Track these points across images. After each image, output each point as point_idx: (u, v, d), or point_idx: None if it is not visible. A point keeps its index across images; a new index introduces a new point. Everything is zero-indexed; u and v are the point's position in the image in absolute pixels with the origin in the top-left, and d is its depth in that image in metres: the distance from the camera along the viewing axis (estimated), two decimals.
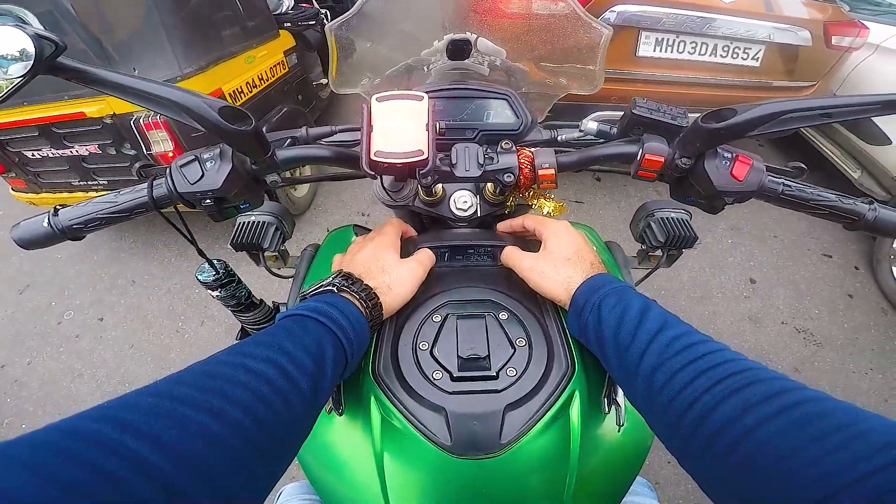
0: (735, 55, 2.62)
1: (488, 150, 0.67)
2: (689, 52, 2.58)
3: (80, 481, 0.27)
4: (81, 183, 2.49)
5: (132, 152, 2.23)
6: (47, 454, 0.28)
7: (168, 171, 0.59)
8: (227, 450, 0.35)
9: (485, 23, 0.92)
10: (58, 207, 0.62)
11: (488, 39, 0.94)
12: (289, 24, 3.14)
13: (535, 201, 0.72)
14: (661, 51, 2.55)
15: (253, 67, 2.60)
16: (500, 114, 0.80)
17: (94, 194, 2.39)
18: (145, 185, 0.61)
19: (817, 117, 0.55)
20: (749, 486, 0.35)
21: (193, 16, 2.20)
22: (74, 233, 0.62)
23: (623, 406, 0.57)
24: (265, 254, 0.85)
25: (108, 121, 2.10)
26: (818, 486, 0.31)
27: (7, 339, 2.58)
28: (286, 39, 3.04)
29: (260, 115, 2.68)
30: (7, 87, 0.47)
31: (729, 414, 0.38)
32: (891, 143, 2.71)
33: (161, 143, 2.14)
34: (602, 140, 0.73)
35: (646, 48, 2.52)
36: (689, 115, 0.60)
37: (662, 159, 0.62)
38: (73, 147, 2.28)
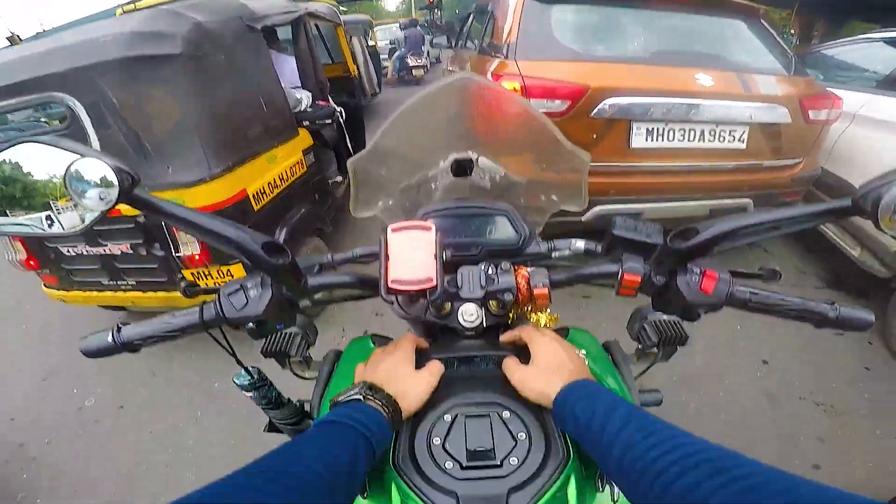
0: (721, 138, 2.71)
1: (490, 272, 0.77)
2: (678, 140, 2.67)
3: None
4: (111, 283, 2.57)
5: (161, 253, 2.33)
6: None
7: (217, 297, 0.69)
8: None
9: (484, 143, 1.04)
10: (120, 325, 0.72)
11: (488, 158, 1.06)
12: (307, 123, 3.25)
13: (532, 315, 0.81)
14: (652, 140, 2.64)
15: (274, 167, 2.69)
16: (501, 229, 0.90)
17: (122, 294, 2.57)
18: (196, 308, 0.70)
19: (767, 230, 0.61)
20: None
21: (224, 116, 2.31)
22: (133, 347, 0.72)
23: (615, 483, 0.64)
24: (291, 359, 0.95)
25: (141, 220, 2.22)
26: None
27: (28, 421, 2.66)
28: (304, 138, 3.14)
29: (280, 215, 2.75)
30: (91, 217, 0.53)
31: (684, 488, 0.44)
32: None
33: (189, 245, 2.25)
34: (590, 257, 0.82)
35: (638, 139, 2.62)
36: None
37: (640, 278, 0.70)
38: (106, 245, 2.38)
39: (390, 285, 0.66)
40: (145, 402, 2.71)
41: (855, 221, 2.97)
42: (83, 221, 0.53)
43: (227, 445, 2.40)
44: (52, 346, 3.25)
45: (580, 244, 0.83)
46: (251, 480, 0.47)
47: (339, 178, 3.97)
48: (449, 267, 0.78)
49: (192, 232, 0.61)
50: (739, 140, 2.75)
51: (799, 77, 2.92)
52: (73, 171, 0.48)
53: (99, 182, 0.49)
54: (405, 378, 0.69)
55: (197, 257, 2.27)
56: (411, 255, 0.68)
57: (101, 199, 0.50)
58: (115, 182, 0.49)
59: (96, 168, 0.49)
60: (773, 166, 2.93)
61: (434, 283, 0.66)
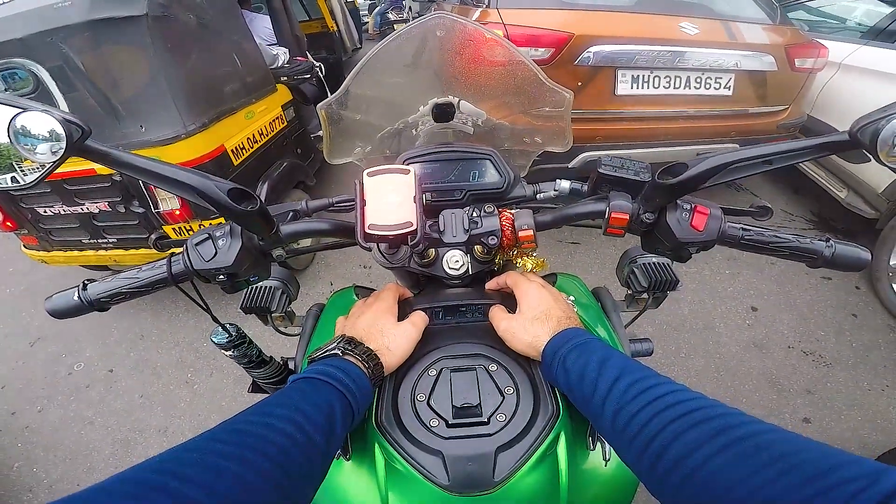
0: (708, 86, 2.72)
1: (473, 215, 0.73)
2: (664, 87, 2.68)
3: None
4: (91, 241, 2.55)
5: (140, 210, 2.30)
6: (126, 501, 0.34)
7: (184, 249, 0.66)
8: (260, 495, 0.41)
9: (465, 86, 1.00)
10: (86, 282, 0.68)
11: (469, 102, 1.01)
12: (285, 79, 3.22)
13: (518, 260, 0.78)
14: (638, 88, 2.64)
15: (253, 123, 2.67)
16: (484, 173, 0.86)
17: (103, 252, 2.52)
18: (164, 261, 0.67)
19: (760, 165, 0.59)
20: None
21: (195, 73, 2.28)
22: (101, 305, 0.68)
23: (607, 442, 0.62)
24: (273, 315, 0.92)
25: (117, 178, 2.19)
26: None
27: (18, 388, 2.64)
28: (283, 94, 3.10)
29: (261, 170, 2.74)
30: (44, 169, 0.52)
31: (680, 452, 0.42)
32: (870, 160, 2.75)
33: (168, 201, 2.22)
34: (576, 198, 0.79)
35: (623, 86, 2.62)
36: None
37: (627, 216, 0.67)
38: (83, 204, 2.35)
39: (367, 230, 0.63)
40: (135, 364, 2.70)
41: (840, 164, 3.04)
42: (34, 175, 0.54)
43: (219, 407, 2.41)
44: (37, 309, 3.19)
45: (565, 184, 0.80)
46: (212, 445, 0.43)
47: (322, 133, 3.90)
48: (431, 213, 0.75)
49: (152, 181, 0.57)
50: (725, 87, 2.77)
51: (784, 26, 2.92)
52: (18, 127, 0.47)
53: (48, 136, 0.48)
54: (386, 331, 0.65)
55: (177, 213, 2.26)
56: (389, 199, 0.65)
57: (53, 152, 0.49)
58: (63, 134, 0.48)
59: (43, 122, 0.48)
60: (760, 113, 2.96)
61: (414, 227, 0.63)
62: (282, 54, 3.42)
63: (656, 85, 2.66)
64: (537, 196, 0.85)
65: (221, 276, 0.65)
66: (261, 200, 0.60)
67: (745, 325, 2.68)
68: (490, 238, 0.72)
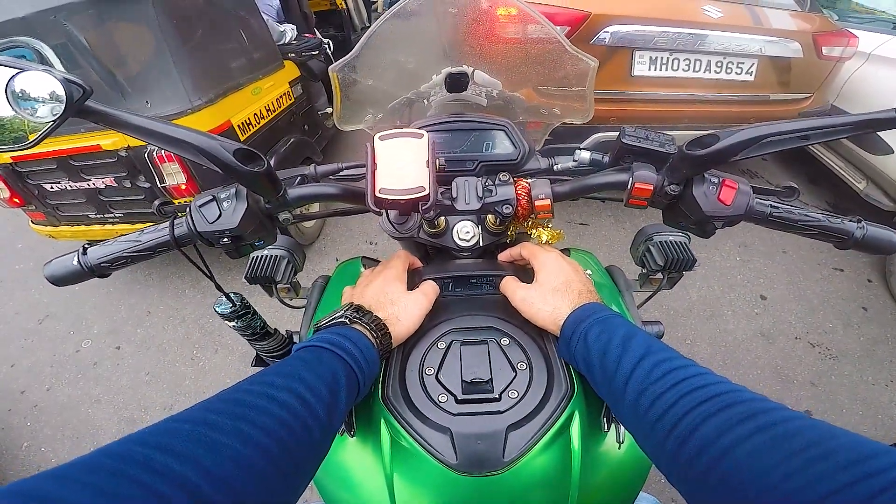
0: (729, 70, 2.66)
1: (487, 183, 0.70)
2: (683, 70, 2.61)
3: (136, 500, 0.30)
4: (98, 216, 2.55)
5: (146, 185, 2.28)
6: (105, 476, 0.31)
7: (188, 211, 0.63)
8: (255, 471, 0.38)
9: (480, 55, 0.96)
10: (86, 246, 0.66)
11: (484, 72, 0.98)
12: (293, 55, 3.20)
13: (533, 231, 0.75)
14: (655, 69, 2.58)
15: (260, 99, 2.65)
16: (498, 144, 0.83)
17: (110, 227, 2.50)
18: (167, 224, 0.64)
19: (795, 140, 0.56)
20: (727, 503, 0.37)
21: (201, 49, 2.26)
22: (102, 270, 0.66)
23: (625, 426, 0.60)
24: (278, 286, 0.89)
25: (123, 153, 2.17)
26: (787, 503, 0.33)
27: (27, 367, 2.65)
28: (291, 70, 3.08)
29: (268, 146, 2.72)
30: (41, 130, 0.50)
31: (707, 436, 0.40)
32: (893, 152, 2.72)
33: (174, 175, 2.20)
34: (595, 169, 0.75)
35: (641, 68, 2.56)
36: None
37: (652, 187, 0.64)
38: (90, 180, 2.34)
39: (378, 195, 0.60)
40: (142, 341, 2.71)
41: (861, 155, 2.97)
42: (34, 135, 0.52)
43: (223, 384, 2.38)
44: (46, 285, 3.17)
45: (585, 155, 0.76)
46: (206, 416, 0.40)
47: (329, 110, 3.92)
48: (443, 182, 0.72)
49: (154, 141, 0.55)
50: (747, 72, 2.70)
51: (813, 14, 2.85)
52: (17, 90, 0.47)
53: (48, 97, 0.47)
54: (396, 299, 0.63)
55: (183, 187, 2.24)
56: (401, 164, 0.62)
57: (54, 114, 0.48)
58: (63, 94, 0.46)
59: (43, 82, 0.47)
60: (781, 100, 2.90)
61: (426, 192, 0.60)
62: (289, 31, 3.38)
63: (675, 67, 2.60)
64: (554, 168, 0.82)
65: (225, 240, 0.62)
66: (268, 162, 0.58)
67: (754, 314, 2.65)
68: (504, 206, 0.69)
